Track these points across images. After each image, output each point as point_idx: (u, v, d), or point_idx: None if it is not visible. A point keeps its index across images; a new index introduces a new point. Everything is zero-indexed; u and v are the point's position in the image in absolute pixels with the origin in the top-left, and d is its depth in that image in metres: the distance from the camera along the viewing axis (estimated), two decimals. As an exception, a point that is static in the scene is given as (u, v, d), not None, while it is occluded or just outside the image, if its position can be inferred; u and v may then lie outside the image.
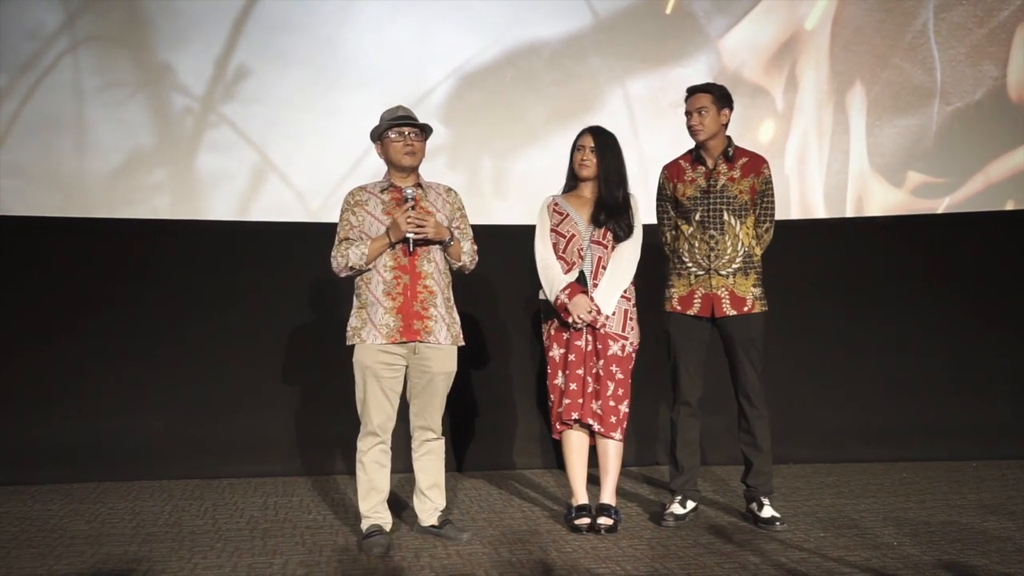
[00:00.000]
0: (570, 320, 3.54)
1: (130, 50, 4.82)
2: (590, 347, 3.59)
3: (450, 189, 3.58)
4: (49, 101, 4.74)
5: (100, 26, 4.80)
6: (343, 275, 3.46)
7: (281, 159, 4.92)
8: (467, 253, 3.49)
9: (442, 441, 3.57)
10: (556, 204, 3.70)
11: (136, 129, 4.81)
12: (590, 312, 3.53)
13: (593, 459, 3.68)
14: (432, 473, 3.54)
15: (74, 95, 4.78)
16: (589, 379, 3.59)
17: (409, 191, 3.37)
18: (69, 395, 4.62)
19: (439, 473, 3.56)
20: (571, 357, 3.59)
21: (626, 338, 3.61)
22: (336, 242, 3.46)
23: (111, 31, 4.81)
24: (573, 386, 3.58)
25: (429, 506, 3.55)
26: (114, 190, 4.82)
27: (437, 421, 3.53)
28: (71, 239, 4.71)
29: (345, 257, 3.38)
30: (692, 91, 3.77)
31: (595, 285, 3.58)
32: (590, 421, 3.58)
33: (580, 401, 3.58)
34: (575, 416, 3.58)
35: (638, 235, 3.64)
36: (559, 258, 3.62)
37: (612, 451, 3.63)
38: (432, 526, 3.53)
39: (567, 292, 3.54)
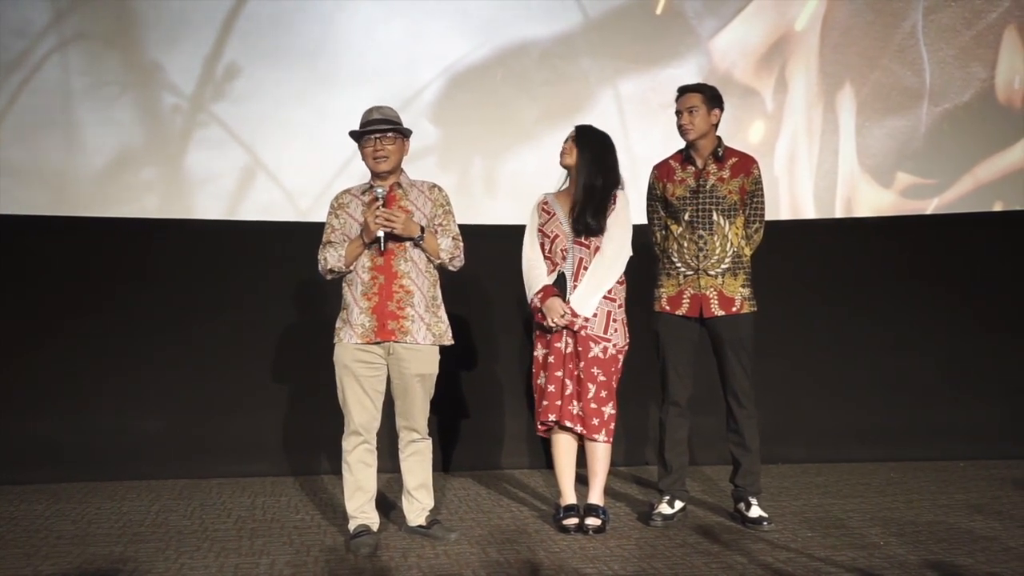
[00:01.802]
0: (545, 324, 3.54)
1: (119, 49, 4.80)
2: (570, 349, 3.57)
3: (435, 186, 3.55)
4: (37, 100, 4.72)
5: (88, 24, 4.78)
6: (328, 278, 3.50)
7: (271, 159, 4.91)
8: (445, 250, 3.44)
9: (428, 442, 3.56)
10: (546, 203, 3.68)
11: (125, 128, 4.80)
12: (564, 316, 3.51)
13: (581, 459, 3.68)
14: (418, 474, 3.54)
15: (62, 94, 4.76)
16: (568, 381, 3.56)
17: (379, 190, 3.39)
18: (55, 395, 4.60)
19: (426, 473, 3.56)
20: (551, 359, 3.58)
21: (608, 340, 3.56)
22: (320, 246, 3.49)
23: (99, 29, 4.79)
24: (551, 388, 3.57)
25: (416, 506, 3.54)
26: (102, 189, 4.80)
27: (420, 422, 3.52)
28: (58, 238, 4.69)
29: (325, 260, 3.44)
30: (683, 90, 3.78)
31: (575, 287, 3.58)
32: (568, 423, 3.56)
33: (558, 403, 3.56)
34: (552, 417, 3.57)
35: (622, 237, 3.58)
36: (546, 258, 3.62)
37: (598, 453, 3.62)
38: (420, 526, 3.52)
39: (540, 296, 3.55)
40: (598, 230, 3.55)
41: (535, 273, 3.60)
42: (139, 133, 4.83)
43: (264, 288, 4.81)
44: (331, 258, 3.42)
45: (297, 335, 4.81)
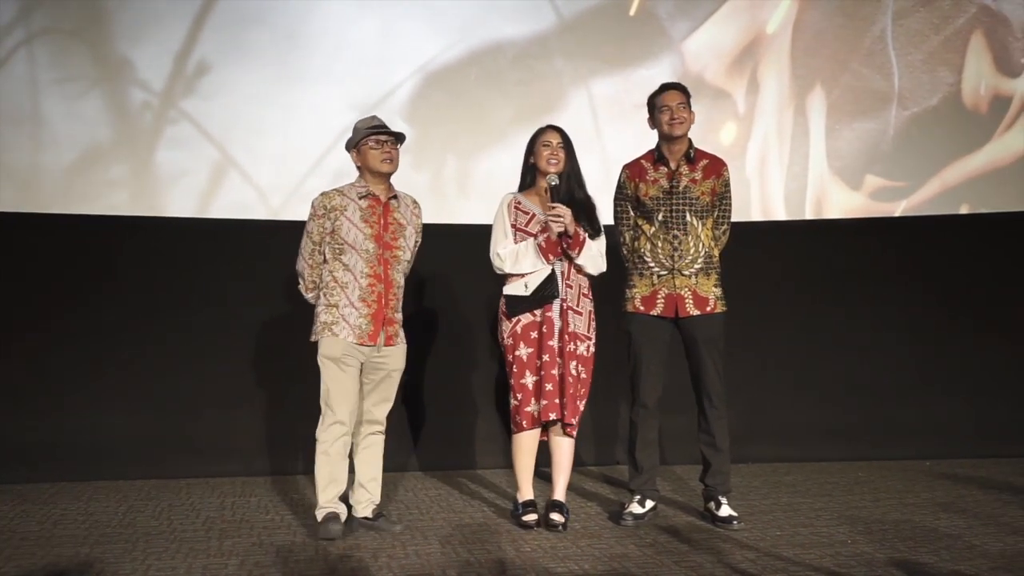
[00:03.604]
0: (556, 228, 3.50)
1: (87, 43, 4.74)
2: (566, 348, 3.56)
3: (416, 203, 3.70)
4: (3, 95, 4.65)
5: (56, 18, 4.72)
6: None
7: (242, 156, 4.87)
8: (409, 267, 3.69)
9: (384, 436, 3.65)
10: (519, 203, 3.67)
11: (93, 124, 4.73)
12: (562, 218, 3.50)
13: (542, 457, 3.69)
14: (373, 466, 3.62)
15: (29, 89, 4.69)
16: (570, 379, 3.57)
17: (554, 180, 3.54)
18: (21, 394, 4.53)
19: (379, 466, 3.64)
20: (545, 357, 3.56)
21: (590, 338, 3.64)
22: (306, 247, 3.50)
23: (67, 24, 4.73)
24: (549, 387, 3.55)
25: (365, 498, 3.60)
26: (70, 185, 4.73)
27: (385, 415, 3.63)
28: (24, 235, 4.62)
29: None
30: (672, 87, 3.79)
31: (568, 287, 3.59)
32: (572, 420, 3.57)
33: (557, 402, 3.56)
34: (553, 416, 3.56)
35: (603, 237, 3.67)
36: None
37: (569, 449, 3.66)
38: (365, 518, 3.58)
39: (538, 241, 3.54)
40: (597, 233, 3.62)
41: (517, 247, 3.58)
42: (108, 129, 4.77)
43: (235, 287, 4.77)
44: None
45: (269, 334, 4.78)
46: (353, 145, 3.54)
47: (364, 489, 3.60)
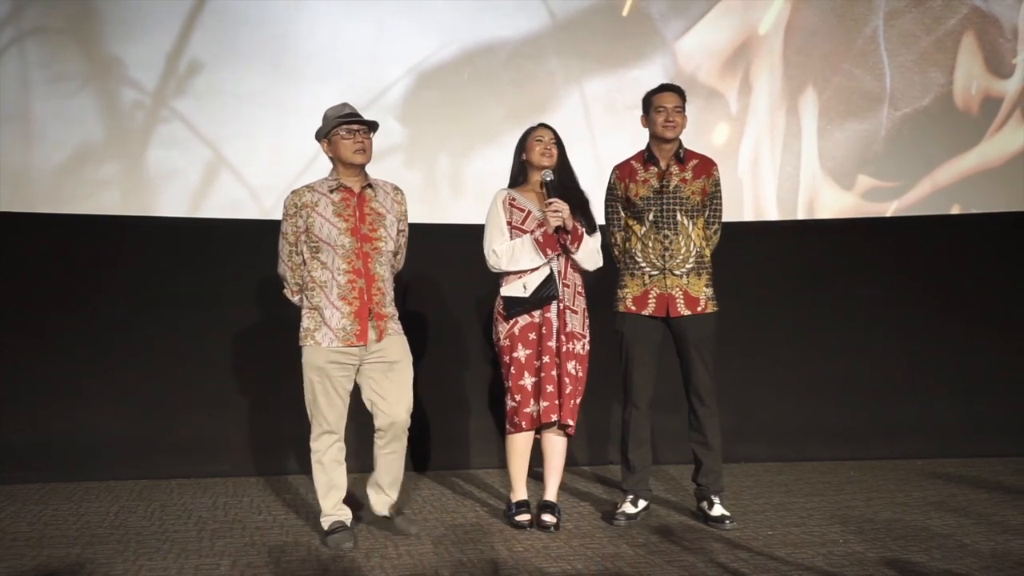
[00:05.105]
0: (554, 222, 3.49)
1: (78, 42, 4.72)
2: (563, 347, 3.56)
3: (398, 190, 3.57)
4: (-6, 93, 4.64)
5: (47, 17, 4.69)
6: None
7: (234, 156, 4.85)
8: (402, 259, 3.61)
9: (407, 436, 3.50)
10: (513, 199, 3.66)
11: (84, 123, 4.71)
12: (560, 212, 3.50)
13: (535, 457, 3.69)
14: (394, 469, 3.51)
15: (20, 87, 4.67)
16: (567, 379, 3.56)
17: (549, 175, 3.53)
18: (12, 394, 4.51)
19: (400, 469, 3.53)
20: (545, 358, 3.55)
21: (586, 336, 3.64)
22: (283, 248, 3.42)
23: (59, 22, 4.70)
24: (549, 388, 3.54)
25: (384, 499, 3.56)
26: (61, 185, 4.71)
27: (408, 412, 3.44)
28: (15, 235, 4.60)
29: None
30: (668, 88, 3.78)
31: (565, 285, 3.58)
32: (569, 420, 3.57)
33: (558, 402, 3.56)
34: (554, 418, 3.55)
35: (598, 233, 3.67)
36: None
37: (563, 449, 3.66)
38: (385, 516, 3.55)
39: (536, 236, 3.53)
40: (593, 229, 3.62)
41: (514, 243, 3.56)
42: (99, 128, 4.75)
43: (227, 287, 4.76)
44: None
45: (260, 334, 4.76)
46: (324, 135, 3.39)
47: (383, 491, 3.52)
